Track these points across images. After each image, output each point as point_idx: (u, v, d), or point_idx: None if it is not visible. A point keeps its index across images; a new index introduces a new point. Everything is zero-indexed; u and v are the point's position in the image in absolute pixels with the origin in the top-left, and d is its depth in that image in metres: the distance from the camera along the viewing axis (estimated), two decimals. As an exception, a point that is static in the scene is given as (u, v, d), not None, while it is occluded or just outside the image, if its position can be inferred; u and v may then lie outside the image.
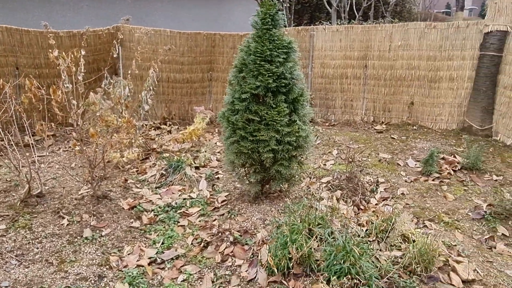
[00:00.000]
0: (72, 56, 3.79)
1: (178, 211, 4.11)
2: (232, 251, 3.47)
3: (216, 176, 4.99)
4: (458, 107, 6.74)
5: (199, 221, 3.97)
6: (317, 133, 6.52)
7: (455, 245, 3.63)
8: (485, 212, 4.15)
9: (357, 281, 2.86)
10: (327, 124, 7.30)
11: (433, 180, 4.95)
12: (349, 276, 2.84)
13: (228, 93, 3.85)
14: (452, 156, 5.51)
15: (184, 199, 4.34)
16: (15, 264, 3.19)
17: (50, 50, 3.77)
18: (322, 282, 2.91)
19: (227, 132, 3.81)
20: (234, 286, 3.13)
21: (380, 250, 3.49)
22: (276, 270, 3.08)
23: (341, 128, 7.01)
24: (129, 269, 3.24)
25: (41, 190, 4.12)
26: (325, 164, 5.34)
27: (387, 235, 3.60)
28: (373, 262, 3.18)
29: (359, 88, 7.36)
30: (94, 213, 3.94)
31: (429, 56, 6.77)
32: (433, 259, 3.27)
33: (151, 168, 5.06)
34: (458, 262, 3.37)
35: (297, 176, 4.22)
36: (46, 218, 3.80)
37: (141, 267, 3.28)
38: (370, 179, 4.89)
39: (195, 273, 3.27)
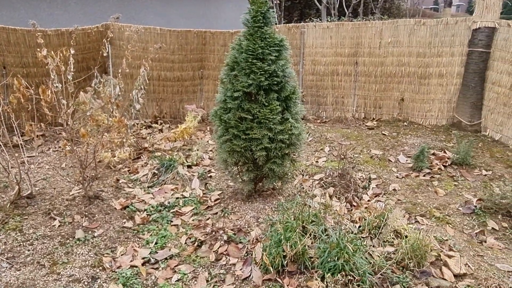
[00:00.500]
0: (61, 55, 3.74)
1: (171, 211, 4.09)
2: (226, 250, 3.47)
3: (209, 175, 4.97)
4: (447, 103, 6.81)
5: (193, 220, 3.96)
6: (309, 130, 6.53)
7: (447, 240, 3.68)
8: (475, 206, 4.21)
9: (351, 278, 2.88)
10: (318, 121, 7.32)
11: (424, 175, 5.00)
12: (343, 273, 2.86)
13: (220, 91, 3.84)
14: (442, 151, 5.57)
15: (177, 198, 4.32)
16: (6, 267, 3.15)
17: (38, 49, 3.71)
18: (316, 279, 2.92)
19: (220, 131, 3.80)
20: (229, 285, 3.13)
21: (373, 246, 3.52)
22: (271, 268, 3.08)
23: (333, 125, 7.03)
24: (122, 269, 3.22)
25: (31, 191, 4.07)
26: (317, 161, 5.35)
27: (380, 231, 3.63)
28: (366, 258, 3.21)
29: (350, 85, 7.39)
30: (86, 213, 3.90)
31: (418, 53, 6.82)
32: (425, 254, 3.31)
33: (143, 167, 5.03)
34: (449, 256, 3.42)
35: (290, 174, 4.23)
36: (37, 219, 3.76)
37: (134, 268, 3.26)
38: (362, 176, 4.92)
39: (190, 272, 3.26)
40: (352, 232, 3.54)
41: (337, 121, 7.22)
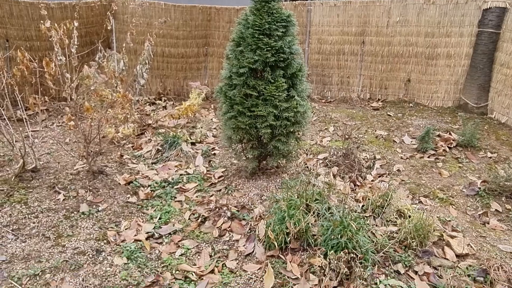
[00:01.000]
0: (65, 28, 3.68)
1: (175, 187, 4.10)
2: (229, 226, 3.49)
3: (213, 152, 4.96)
4: (454, 84, 6.72)
5: (196, 196, 3.97)
6: (314, 110, 6.48)
7: (450, 221, 3.68)
8: (479, 188, 4.20)
9: (354, 255, 2.89)
10: (323, 101, 7.26)
11: (428, 157, 4.97)
12: (346, 251, 2.87)
13: (225, 67, 3.79)
14: (448, 133, 5.53)
15: (181, 175, 4.33)
16: (12, 239, 3.19)
17: (41, 21, 3.65)
18: (319, 256, 2.94)
19: (224, 108, 3.77)
20: (232, 260, 3.16)
21: (376, 225, 3.53)
22: (275, 243, 3.10)
23: (338, 105, 6.98)
24: (126, 243, 3.25)
25: (36, 165, 4.07)
26: (321, 141, 5.33)
27: (383, 210, 3.63)
28: (369, 237, 3.22)
29: (356, 65, 7.29)
30: (90, 188, 3.91)
31: (427, 33, 6.70)
32: (428, 234, 3.32)
33: (146, 143, 5.02)
34: (452, 237, 3.43)
35: (294, 153, 4.21)
36: (41, 193, 3.77)
37: (138, 242, 3.29)
38: (366, 156, 4.90)
39: (193, 247, 3.29)
40: (356, 211, 3.54)
41: (342, 101, 7.15)
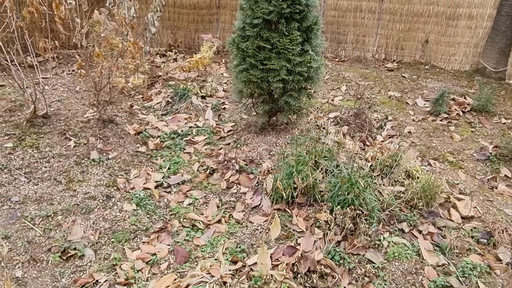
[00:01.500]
0: (74, -30, 3.56)
1: (184, 139, 4.11)
2: (237, 179, 3.52)
3: (223, 107, 4.93)
4: (474, 47, 6.48)
5: (205, 149, 3.99)
6: (326, 69, 6.34)
7: (458, 184, 3.68)
8: (490, 153, 4.15)
9: (360, 212, 2.92)
10: (336, 59, 7.09)
11: (441, 120, 4.90)
12: (352, 207, 2.89)
13: (238, 18, 3.67)
14: (463, 97, 5.40)
15: (190, 127, 4.32)
16: (24, 181, 3.25)
17: (50, -38, 3.53)
18: (325, 212, 2.97)
19: (236, 60, 3.69)
20: (239, 212, 3.21)
21: (384, 185, 3.53)
22: (283, 196, 3.13)
23: (351, 65, 6.81)
24: (136, 191, 3.31)
25: (47, 111, 4.09)
26: (333, 100, 5.25)
27: (391, 171, 3.63)
28: (376, 195, 3.23)
29: (373, 23, 7.03)
30: (100, 136, 3.94)
31: (450, -9, 6.39)
32: (435, 196, 3.32)
33: (156, 95, 4.99)
34: (459, 199, 3.43)
35: (305, 110, 4.16)
36: (52, 139, 3.81)
37: (147, 190, 3.35)
38: (377, 116, 4.84)
39: (201, 198, 3.34)
40: (364, 170, 3.54)
41: (356, 61, 6.98)
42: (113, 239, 2.82)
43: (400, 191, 3.44)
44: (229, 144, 4.06)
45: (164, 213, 3.14)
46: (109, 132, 4.04)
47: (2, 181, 3.19)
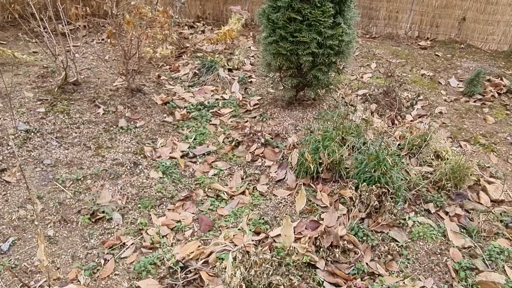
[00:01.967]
0: None
1: (210, 110, 4.11)
2: (262, 152, 3.52)
3: (249, 80, 4.88)
4: (514, 26, 6.16)
5: (231, 121, 3.99)
6: (357, 45, 6.17)
7: (489, 167, 3.57)
8: (526, 138, 3.99)
9: (385, 190, 2.88)
10: (367, 36, 6.87)
11: (474, 101, 4.72)
12: (378, 185, 2.85)
13: (270, -12, 3.58)
14: (499, 78, 5.17)
15: (217, 99, 4.32)
16: (56, 145, 3.34)
17: None
18: (350, 188, 2.94)
19: (266, 32, 3.62)
20: (263, 184, 3.22)
21: (411, 165, 3.46)
22: (308, 170, 3.12)
23: (382, 42, 6.60)
24: (162, 159, 3.35)
25: (77, 78, 4.15)
26: (362, 77, 5.13)
27: (420, 151, 3.54)
28: (402, 174, 3.17)
29: (408, -1, 6.75)
30: (129, 105, 3.99)
31: (493, -35, 6.03)
32: (465, 178, 3.24)
33: (184, 66, 4.99)
34: (489, 183, 3.33)
35: (333, 86, 4.08)
36: (82, 106, 3.88)
37: (173, 159, 3.39)
38: (407, 95, 4.70)
39: (226, 169, 3.36)
40: (391, 148, 3.47)
41: (388, 38, 6.75)
42: (139, 205, 2.89)
43: (428, 172, 3.37)
44: (255, 117, 4.04)
45: (189, 182, 3.18)
46: (137, 101, 4.08)
47: (35, 144, 3.29)
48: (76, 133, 3.52)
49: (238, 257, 2.39)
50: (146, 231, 2.67)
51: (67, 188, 2.93)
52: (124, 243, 2.57)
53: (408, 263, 2.58)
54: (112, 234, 2.63)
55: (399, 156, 3.33)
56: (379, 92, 4.52)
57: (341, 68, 3.89)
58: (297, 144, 3.55)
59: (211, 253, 2.50)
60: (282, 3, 3.38)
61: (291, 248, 2.38)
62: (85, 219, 2.69)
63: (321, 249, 2.57)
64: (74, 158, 3.23)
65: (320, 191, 3.07)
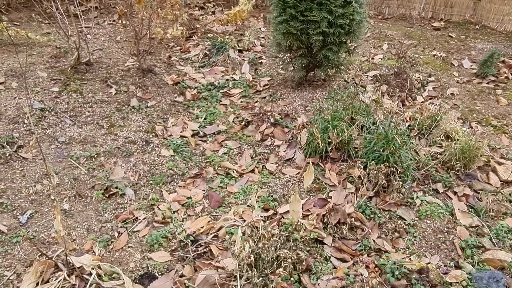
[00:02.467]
0: None
1: (221, 91, 4.14)
2: (272, 132, 3.55)
3: (259, 61, 4.88)
4: (532, 7, 6.01)
5: (241, 101, 4.01)
6: (368, 26, 6.10)
7: (500, 148, 3.55)
8: (539, 119, 3.95)
9: (394, 169, 2.90)
10: (379, 17, 6.78)
11: (487, 83, 4.66)
12: (387, 164, 2.87)
13: (280, -33, 3.55)
14: (514, 60, 5.09)
15: (227, 80, 4.34)
16: (70, 124, 3.42)
17: None
18: (359, 167, 2.96)
19: (276, 11, 3.61)
20: (272, 163, 3.26)
21: (421, 145, 3.46)
22: (317, 150, 3.15)
23: (395, 23, 6.51)
24: (173, 138, 3.41)
25: (89, 58, 4.20)
26: (373, 58, 5.08)
27: (430, 131, 3.54)
28: (412, 154, 3.18)
29: (422, -21, 6.61)
30: (140, 85, 4.03)
31: None
32: (474, 158, 3.23)
33: (194, 47, 5.00)
34: (499, 163, 3.33)
35: (343, 67, 4.06)
36: (95, 85, 3.94)
37: (184, 138, 3.45)
38: (419, 77, 4.65)
39: (235, 148, 3.40)
40: (401, 128, 3.47)
41: (400, 19, 6.65)
42: (151, 181, 2.96)
43: (437, 152, 3.37)
44: (264, 97, 4.06)
45: (200, 160, 3.24)
46: (148, 81, 4.13)
47: (50, 122, 3.36)
48: (89, 112, 3.59)
49: (247, 232, 2.45)
50: (157, 207, 2.75)
51: (81, 165, 3.01)
52: (136, 218, 2.65)
53: (414, 240, 2.61)
54: (125, 209, 2.71)
55: (409, 136, 3.33)
56: (390, 73, 4.49)
57: (352, 48, 3.86)
58: (306, 124, 3.57)
59: (220, 228, 2.56)
60: (293, -18, 3.36)
61: (299, 223, 2.42)
62: (99, 194, 2.77)
63: (329, 226, 2.62)
64: (87, 136, 3.31)
65: (329, 170, 3.10)
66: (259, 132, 3.55)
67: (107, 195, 2.79)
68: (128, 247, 2.46)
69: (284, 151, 3.37)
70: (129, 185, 2.87)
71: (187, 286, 2.19)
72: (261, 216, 2.63)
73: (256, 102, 3.98)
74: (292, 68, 4.04)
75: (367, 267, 2.42)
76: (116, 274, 2.25)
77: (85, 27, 5.00)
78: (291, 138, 3.48)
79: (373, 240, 2.59)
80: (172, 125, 3.59)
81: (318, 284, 2.26)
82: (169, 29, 4.87)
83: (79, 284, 2.17)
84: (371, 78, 4.50)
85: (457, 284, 2.28)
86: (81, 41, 4.09)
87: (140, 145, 3.28)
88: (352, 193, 2.92)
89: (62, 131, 3.31)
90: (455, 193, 3.02)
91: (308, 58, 3.77)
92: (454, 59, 5.18)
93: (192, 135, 3.48)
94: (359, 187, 2.90)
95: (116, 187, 2.81)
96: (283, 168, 3.21)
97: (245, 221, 2.57)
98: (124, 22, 3.80)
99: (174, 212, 2.73)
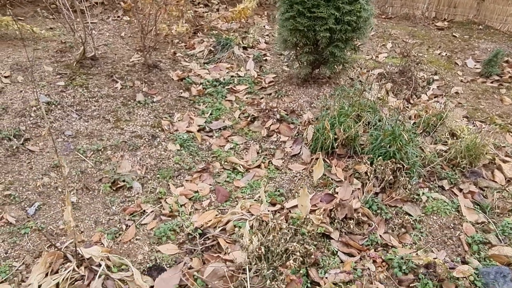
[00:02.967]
0: None
1: (226, 87, 4.15)
2: (277, 128, 3.56)
3: (264, 58, 4.89)
4: (535, 8, 6.03)
5: (246, 98, 4.02)
6: (372, 25, 6.11)
7: (504, 147, 3.56)
8: (543, 118, 3.96)
9: (400, 166, 2.91)
10: (383, 16, 6.79)
11: (491, 82, 4.68)
12: (393, 160, 2.88)
13: (288, -37, 3.56)
14: (517, 60, 5.11)
15: (232, 76, 4.34)
16: (76, 118, 3.42)
17: None
18: (365, 163, 2.97)
19: (283, 7, 3.62)
20: (278, 159, 3.27)
21: (426, 143, 3.47)
22: (323, 146, 3.15)
23: (398, 22, 6.52)
24: (179, 133, 3.41)
25: (95, 53, 4.20)
26: (377, 57, 5.10)
27: (435, 129, 3.55)
28: (417, 151, 3.19)
29: (426, -22, 6.63)
30: (145, 80, 4.04)
31: None
32: (480, 156, 3.24)
33: (199, 44, 5.01)
34: (504, 161, 3.34)
35: (348, 64, 4.07)
36: (100, 80, 3.94)
37: (190, 133, 3.45)
38: (423, 76, 4.67)
39: (241, 143, 3.41)
40: (407, 125, 3.48)
41: (404, 18, 6.67)
42: (158, 175, 2.96)
43: (443, 150, 3.38)
44: (270, 94, 4.07)
45: (206, 155, 3.24)
46: (154, 76, 4.13)
47: (56, 116, 3.37)
48: (95, 106, 3.59)
49: (254, 225, 2.46)
50: (165, 200, 2.75)
51: (88, 158, 3.01)
52: (144, 211, 2.66)
53: (421, 236, 2.62)
54: (133, 202, 2.71)
55: (415, 133, 3.34)
56: (395, 72, 4.50)
57: (357, 45, 3.87)
58: (312, 120, 3.57)
59: (228, 221, 2.56)
60: (300, -22, 3.36)
61: (307, 217, 2.43)
62: (106, 187, 2.77)
63: (336, 221, 2.62)
64: (94, 130, 3.31)
65: (335, 166, 3.10)
66: (265, 128, 3.55)
67: (114, 188, 2.79)
68: (136, 239, 2.46)
69: (290, 147, 3.38)
70: (136, 179, 2.88)
71: (196, 278, 2.20)
72: (268, 211, 2.63)
73: (261, 98, 3.98)
74: (298, 65, 4.05)
75: (374, 261, 2.42)
76: (124, 266, 2.25)
77: (91, 22, 5.00)
78: (297, 134, 3.49)
79: (380, 235, 2.60)
80: (178, 120, 3.59)
81: (326, 278, 2.27)
82: (174, 25, 4.87)
83: (88, 275, 2.17)
84: (375, 76, 4.51)
85: (464, 279, 2.29)
86: (87, 36, 4.09)
87: (147, 140, 3.29)
88: (358, 189, 2.93)
89: (69, 125, 3.31)
90: (460, 190, 3.03)
91: (314, 55, 3.78)
92: (458, 59, 5.20)
93: (198, 130, 3.49)
94: (365, 182, 2.91)
95: (124, 180, 2.82)
96: (289, 163, 3.21)
97: (252, 215, 2.58)
98: (130, 17, 3.79)
99: (181, 205, 2.73)
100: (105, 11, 5.77)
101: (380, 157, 2.94)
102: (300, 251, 2.21)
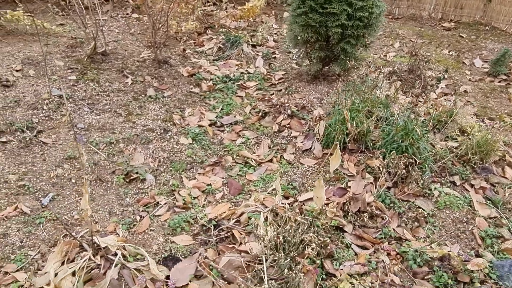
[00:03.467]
0: None
1: (236, 83, 4.16)
2: (289, 123, 3.56)
3: (273, 56, 4.91)
4: (542, 9, 6.05)
5: (256, 94, 4.03)
6: (383, 22, 6.12)
7: (514, 144, 3.57)
8: (552, 117, 3.97)
9: (412, 161, 2.92)
10: (390, 16, 6.81)
11: (499, 81, 4.69)
12: (406, 155, 2.89)
13: (300, -41, 3.58)
14: (525, 60, 5.11)
15: (242, 73, 4.36)
16: (88, 111, 3.43)
17: None
18: (377, 158, 2.98)
19: (295, 3, 3.63)
20: (290, 154, 3.28)
21: (436, 139, 3.48)
22: (334, 140, 3.16)
23: (405, 22, 6.54)
24: (191, 127, 3.42)
25: (105, 49, 4.22)
26: (385, 55, 5.11)
27: (445, 126, 3.56)
28: (428, 147, 3.19)
29: (432, -21, 6.66)
30: (156, 76, 4.05)
31: None
32: (490, 152, 3.25)
33: (208, 41, 5.02)
34: (515, 158, 3.34)
35: (357, 62, 4.07)
36: (111, 75, 3.95)
37: (202, 127, 3.46)
38: (432, 74, 4.68)
39: (253, 138, 3.42)
40: (416, 124, 3.48)
41: (411, 19, 6.69)
42: (171, 168, 2.97)
43: (453, 146, 3.38)
44: (280, 90, 4.08)
45: (218, 149, 3.25)
46: (164, 72, 4.14)
47: (68, 109, 3.38)
48: (106, 100, 3.60)
49: (269, 217, 2.46)
50: (178, 192, 2.76)
51: (101, 151, 3.02)
52: (157, 202, 2.66)
53: (434, 229, 2.62)
54: (146, 194, 2.72)
55: (426, 129, 3.35)
56: (404, 70, 4.51)
57: (368, 43, 3.89)
58: (323, 116, 3.58)
59: (242, 213, 2.57)
60: (313, -26, 3.38)
61: (323, 209, 2.43)
62: (120, 179, 2.78)
63: (349, 214, 2.63)
64: (106, 123, 3.32)
65: (347, 161, 3.11)
66: (276, 123, 3.56)
67: (127, 180, 2.80)
68: (151, 230, 2.47)
69: (302, 142, 3.38)
70: (149, 171, 2.88)
71: (211, 268, 2.20)
72: (282, 203, 2.64)
73: (272, 94, 4.00)
74: (308, 61, 4.06)
75: (388, 254, 2.43)
76: (140, 256, 2.26)
77: (102, 20, 5.01)
78: (308, 129, 3.50)
79: (393, 229, 2.60)
80: (190, 115, 3.60)
81: (341, 269, 2.27)
82: (184, 23, 4.89)
83: (104, 264, 2.17)
84: (384, 75, 4.52)
85: (479, 271, 2.29)
86: (98, 31, 4.10)
87: (159, 133, 3.30)
88: (371, 183, 2.93)
89: (81, 118, 3.32)
90: (472, 185, 3.03)
91: (325, 51, 3.79)
92: (465, 58, 5.21)
93: (210, 125, 3.50)
94: (378, 176, 2.91)
95: (137, 173, 2.82)
96: (301, 158, 3.22)
97: (266, 207, 2.58)
98: (139, 14, 3.81)
99: (194, 198, 2.73)
100: (114, 9, 5.79)
101: (393, 151, 2.95)
102: (316, 242, 2.21)
